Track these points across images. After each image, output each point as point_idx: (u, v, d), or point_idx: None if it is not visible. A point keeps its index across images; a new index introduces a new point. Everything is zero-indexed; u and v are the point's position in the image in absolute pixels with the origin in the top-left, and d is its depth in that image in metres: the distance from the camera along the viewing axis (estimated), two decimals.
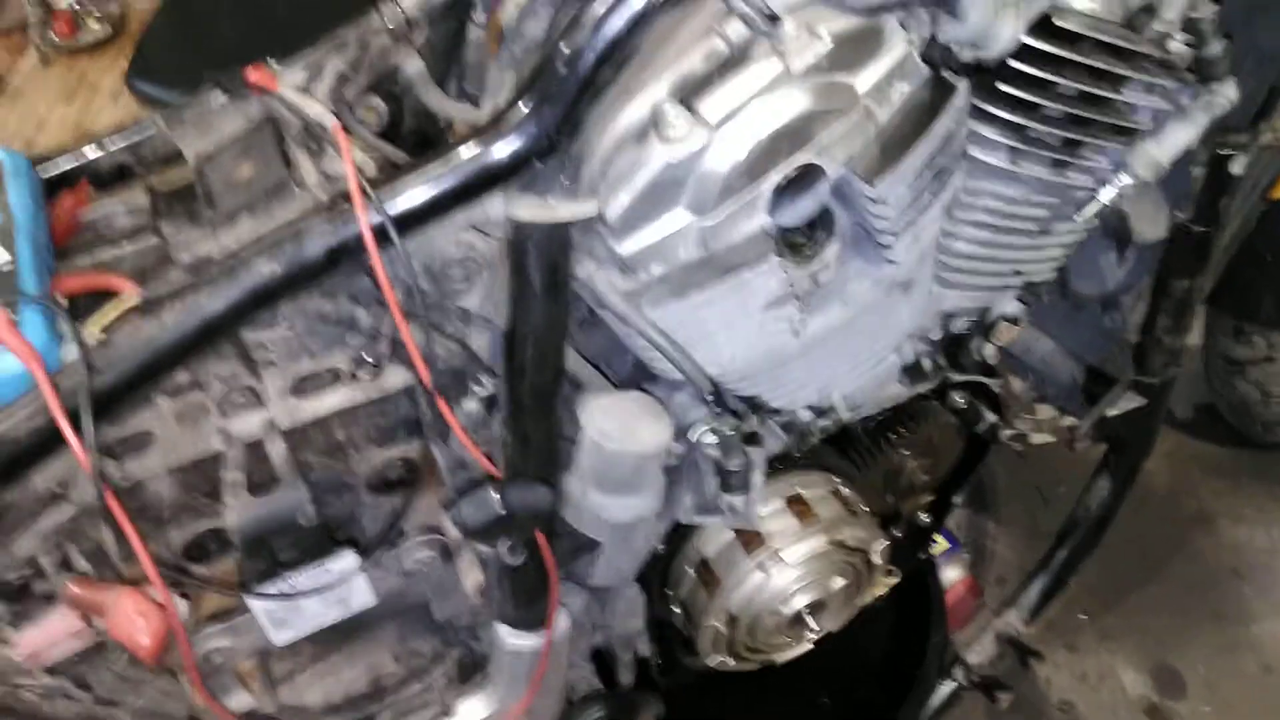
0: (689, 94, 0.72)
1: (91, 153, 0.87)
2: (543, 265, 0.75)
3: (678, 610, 1.11)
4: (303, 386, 0.78)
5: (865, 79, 0.76)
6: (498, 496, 0.74)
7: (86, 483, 0.71)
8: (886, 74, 0.77)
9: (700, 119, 0.72)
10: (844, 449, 1.16)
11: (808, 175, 0.77)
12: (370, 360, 0.73)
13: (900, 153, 0.77)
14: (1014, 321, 1.11)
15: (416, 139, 0.99)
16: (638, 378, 0.98)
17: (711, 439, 0.91)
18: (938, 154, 0.80)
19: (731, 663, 1.13)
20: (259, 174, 0.77)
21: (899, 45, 0.76)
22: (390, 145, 0.85)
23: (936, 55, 0.79)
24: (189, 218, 0.78)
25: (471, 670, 0.99)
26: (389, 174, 0.73)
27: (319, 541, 0.77)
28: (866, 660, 1.46)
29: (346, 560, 0.77)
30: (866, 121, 0.77)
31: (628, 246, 0.77)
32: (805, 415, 1.03)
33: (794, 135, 0.75)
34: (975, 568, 1.65)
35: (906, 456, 1.18)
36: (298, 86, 0.82)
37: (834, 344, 0.91)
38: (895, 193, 0.78)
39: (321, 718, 0.93)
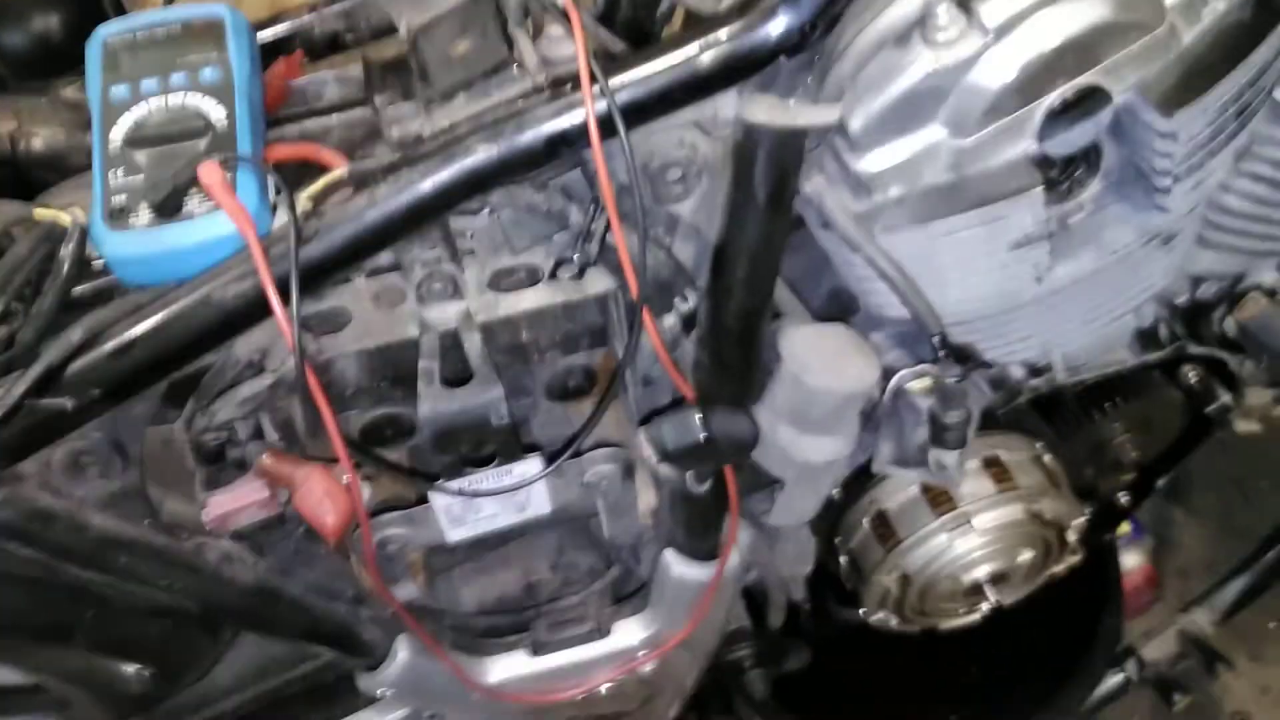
0: None
1: (305, 19, 0.84)
2: (770, 176, 0.68)
3: (844, 561, 1.05)
4: (500, 281, 0.75)
5: None
6: (701, 421, 0.69)
7: (284, 354, 0.70)
8: None
9: (977, 22, 0.63)
10: (1049, 413, 1.06)
11: (1089, 99, 0.67)
12: (576, 261, 0.68)
13: (1206, 82, 0.66)
14: (1271, 294, 0.98)
15: (630, 28, 0.92)
16: (831, 309, 0.91)
17: (920, 385, 0.83)
18: (1247, 89, 0.68)
19: (894, 622, 1.07)
20: (476, 51, 0.72)
21: None
22: (608, 32, 0.79)
23: None
24: (402, 92, 0.74)
25: (626, 591, 0.96)
26: (611, 61, 0.67)
27: (506, 442, 0.74)
28: (1024, 636, 1.37)
29: (530, 465, 0.74)
30: (1170, 41, 0.66)
31: (867, 163, 0.69)
32: (1018, 372, 0.94)
33: (1083, 50, 0.64)
34: (1156, 556, 1.52)
35: (1118, 430, 1.07)
36: None
37: (1075, 295, 0.81)
38: (1192, 128, 0.67)
39: (475, 618, 0.92)
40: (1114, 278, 0.81)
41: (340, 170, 0.70)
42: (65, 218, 0.66)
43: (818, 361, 0.77)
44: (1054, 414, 1.06)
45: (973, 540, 0.96)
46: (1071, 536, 1.02)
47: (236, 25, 0.76)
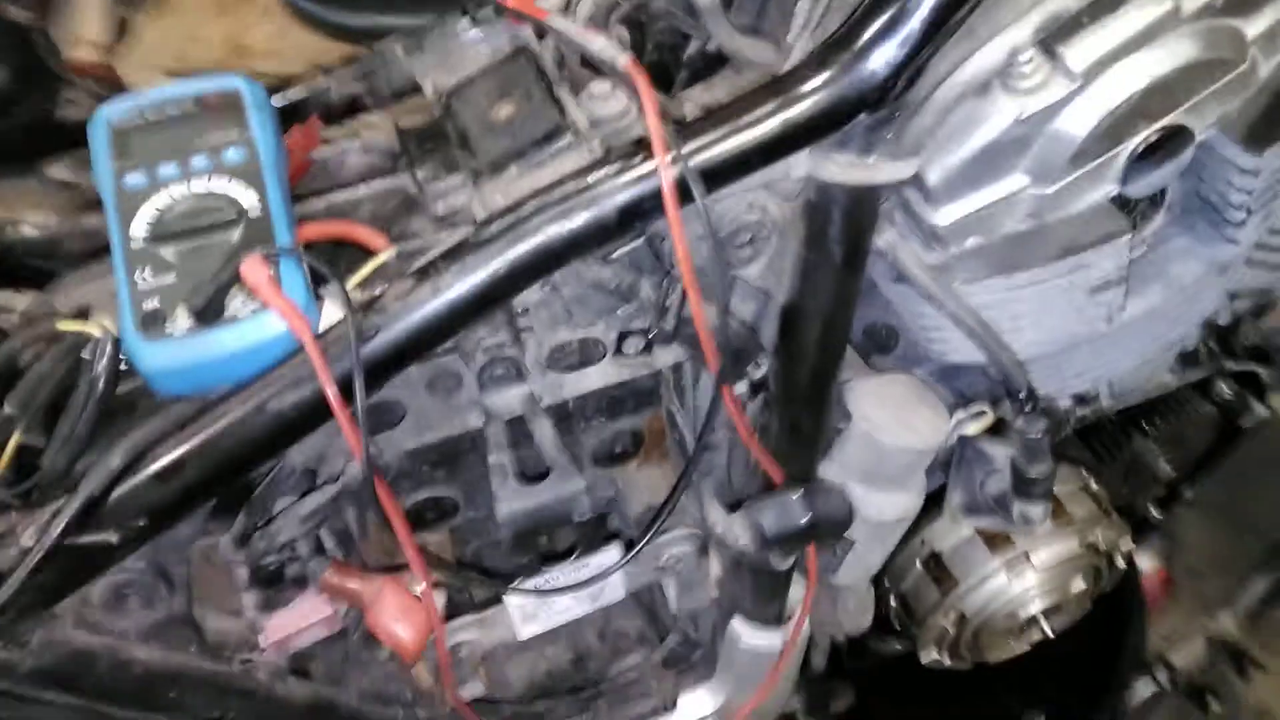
0: (1053, 37, 0.60)
1: (319, 82, 0.78)
2: (845, 234, 0.65)
3: (894, 603, 1.02)
4: (560, 358, 0.70)
5: (1258, 24, 0.63)
6: (802, 506, 0.65)
7: (340, 459, 0.64)
8: None
9: (1062, 68, 0.60)
10: (1086, 438, 1.05)
11: (1173, 139, 0.65)
12: (654, 335, 0.64)
13: None
14: None
15: (655, 72, 0.88)
16: (868, 346, 0.88)
17: (977, 425, 0.81)
18: None
19: (947, 661, 1.04)
20: (522, 116, 0.68)
21: None
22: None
23: None
24: (441, 162, 0.69)
25: (683, 658, 0.92)
26: (680, 125, 0.63)
27: (585, 533, 0.69)
28: (1051, 648, 1.36)
29: (608, 555, 0.70)
30: (1251, 76, 0.64)
31: (945, 215, 0.66)
32: (1066, 403, 0.92)
33: (1170, 91, 0.62)
34: (1168, 556, 1.53)
35: (1154, 448, 1.06)
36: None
37: (1137, 329, 0.80)
38: (1274, 164, 0.65)
39: (534, 703, 0.87)
40: (1175, 309, 0.80)
41: (388, 253, 0.65)
42: (94, 329, 0.59)
43: (888, 417, 0.74)
44: (1092, 438, 1.05)
45: (1030, 578, 0.94)
46: (1120, 562, 1.01)
47: (255, 97, 0.70)
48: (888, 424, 0.74)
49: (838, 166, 0.62)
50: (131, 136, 0.66)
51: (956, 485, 0.81)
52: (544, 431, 0.67)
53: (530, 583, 0.69)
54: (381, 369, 0.60)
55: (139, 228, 0.63)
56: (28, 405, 0.59)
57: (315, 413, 0.58)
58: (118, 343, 0.59)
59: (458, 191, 0.67)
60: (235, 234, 0.62)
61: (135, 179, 0.64)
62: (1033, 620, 0.99)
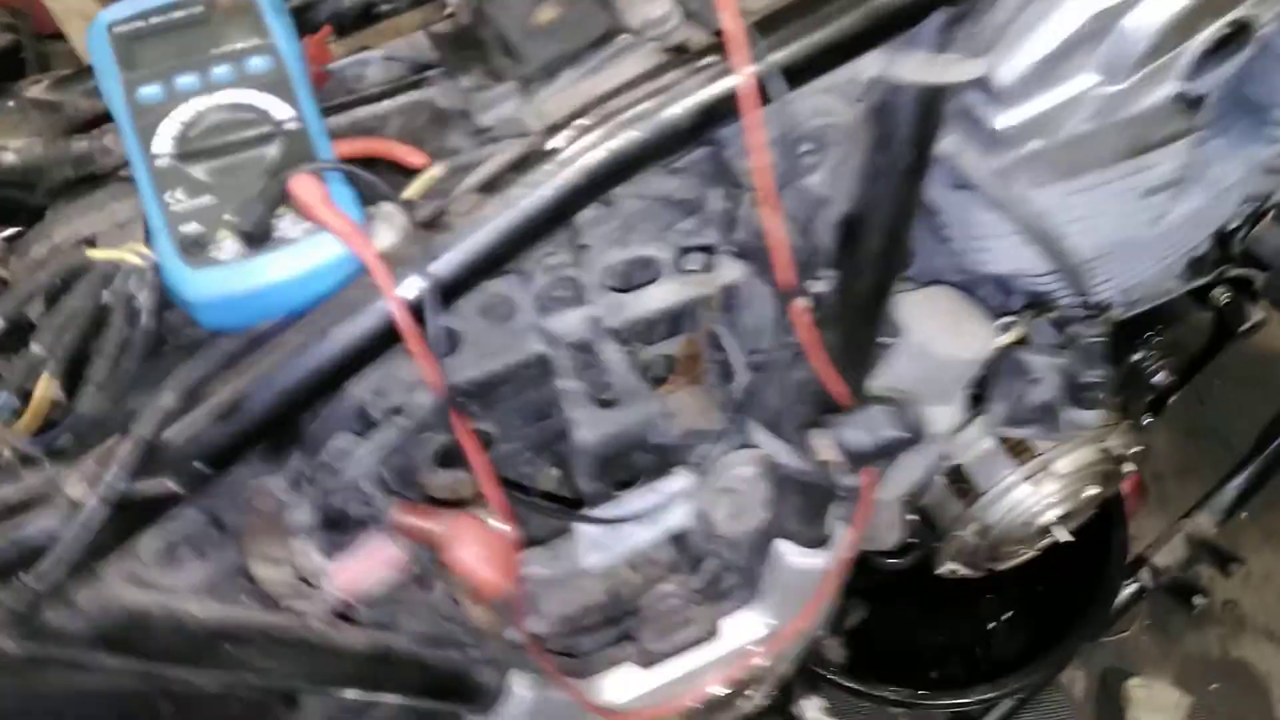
0: None
1: None
2: (914, 137, 0.63)
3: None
4: (616, 277, 0.67)
5: None
6: (887, 421, 0.64)
7: (404, 392, 0.60)
8: None
9: None
10: None
11: (1239, 33, 0.64)
12: (717, 250, 0.61)
13: None
14: None
15: None
16: None
17: (1009, 336, 0.81)
18: None
19: (963, 571, 1.06)
20: (566, 19, 0.63)
21: None
22: None
23: None
24: (485, 71, 0.64)
25: (720, 585, 0.90)
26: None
27: (659, 459, 0.67)
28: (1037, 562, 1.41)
29: (680, 481, 0.68)
30: None
31: (1009, 117, 0.64)
32: (1080, 312, 0.93)
33: None
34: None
35: (1153, 356, 1.08)
36: None
37: (1173, 234, 0.80)
38: None
39: (573, 637, 0.85)
40: (1209, 212, 0.80)
41: (437, 168, 0.60)
42: (130, 258, 0.54)
43: (938, 329, 0.74)
44: None
45: (1050, 485, 0.96)
46: (1128, 467, 1.03)
47: (269, 1, 0.64)
48: (940, 335, 0.73)
49: (910, 65, 0.60)
50: (138, 45, 0.60)
51: (995, 398, 0.81)
52: (611, 354, 0.64)
53: (598, 512, 0.67)
54: (450, 290, 0.56)
55: (163, 144, 0.57)
56: (56, 346, 0.54)
57: (383, 340, 0.54)
58: (157, 271, 0.54)
59: (505, 101, 0.63)
60: (273, 149, 0.57)
61: (150, 91, 0.58)
62: (1048, 527, 1.01)
